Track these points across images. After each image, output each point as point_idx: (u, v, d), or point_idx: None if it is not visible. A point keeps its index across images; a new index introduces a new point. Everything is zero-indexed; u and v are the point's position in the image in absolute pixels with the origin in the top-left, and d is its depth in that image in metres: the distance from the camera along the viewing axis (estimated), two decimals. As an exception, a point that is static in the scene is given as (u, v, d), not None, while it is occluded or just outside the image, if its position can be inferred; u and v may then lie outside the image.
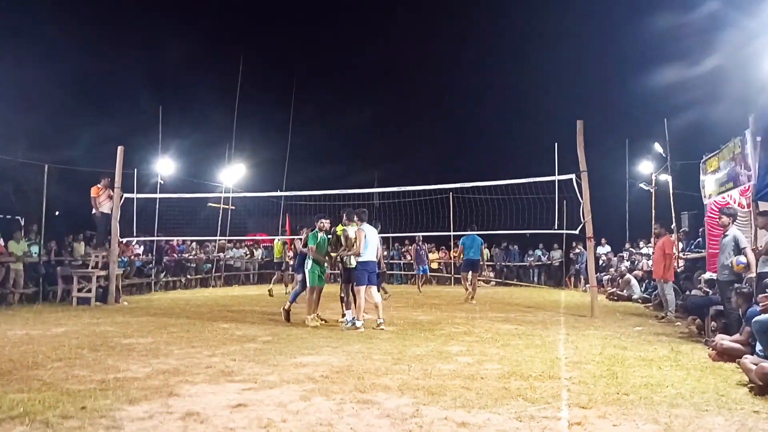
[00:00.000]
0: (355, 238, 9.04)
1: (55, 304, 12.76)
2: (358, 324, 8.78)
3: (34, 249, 13.81)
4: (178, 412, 4.16)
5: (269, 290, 15.47)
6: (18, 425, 3.82)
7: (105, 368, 5.69)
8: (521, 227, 15.06)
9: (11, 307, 11.80)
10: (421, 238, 18.72)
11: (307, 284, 9.47)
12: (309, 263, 9.43)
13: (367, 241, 9.02)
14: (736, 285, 7.50)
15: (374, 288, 9.23)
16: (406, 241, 22.74)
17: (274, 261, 19.05)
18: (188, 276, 19.80)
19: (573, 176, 11.53)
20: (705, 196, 11.58)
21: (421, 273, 18.89)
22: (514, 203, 15.86)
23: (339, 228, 9.89)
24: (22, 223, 17.13)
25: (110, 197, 13.34)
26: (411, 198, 18.19)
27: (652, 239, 14.50)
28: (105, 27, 27.37)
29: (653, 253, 11.99)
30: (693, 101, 18.92)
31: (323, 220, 9.64)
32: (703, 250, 11.86)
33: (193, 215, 19.23)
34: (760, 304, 5.94)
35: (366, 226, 9.17)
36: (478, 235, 14.77)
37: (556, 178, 12.13)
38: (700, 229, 12.50)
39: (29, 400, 4.38)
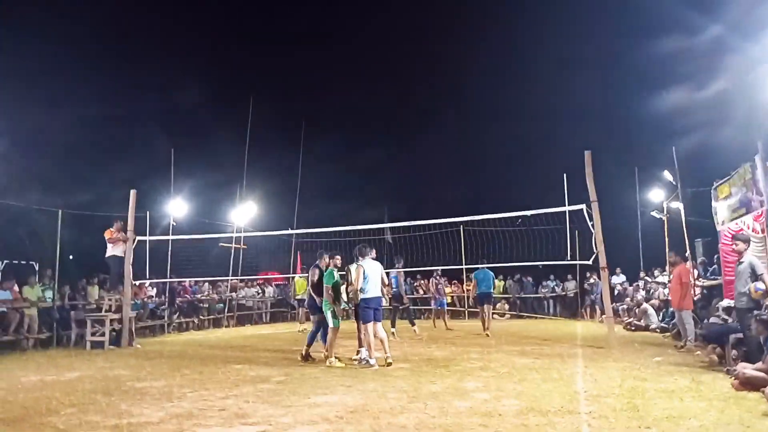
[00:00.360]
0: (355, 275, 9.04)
1: (69, 348, 12.75)
2: (372, 362, 8.69)
3: (48, 294, 13.89)
4: (192, 457, 4.10)
5: (301, 330, 15.30)
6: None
7: (118, 413, 5.65)
8: (533, 259, 14.94)
9: (25, 353, 11.80)
10: (440, 272, 18.50)
11: (330, 326, 9.20)
12: (327, 304, 9.21)
13: (368, 277, 8.91)
14: (756, 312, 7.38)
15: (380, 324, 9.03)
16: (418, 276, 22.61)
17: (296, 298, 18.98)
18: (201, 317, 19.76)
19: (583, 206, 11.50)
20: (718, 223, 11.49)
21: (439, 307, 18.48)
22: (526, 235, 15.83)
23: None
24: (37, 268, 17.29)
25: (123, 240, 13.45)
26: (422, 232, 18.16)
27: (667, 267, 14.36)
28: (116, 72, 27.96)
29: (670, 281, 11.84)
30: (700, 126, 18.91)
31: (337, 257, 9.65)
32: (719, 277, 11.70)
33: (205, 255, 19.30)
34: None
35: (367, 262, 9.06)
36: (488, 268, 15.02)
37: (567, 209, 12.09)
38: (715, 256, 12.36)
39: (43, 448, 4.35)
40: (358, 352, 9.39)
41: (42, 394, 6.77)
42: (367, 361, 8.76)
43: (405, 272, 19.94)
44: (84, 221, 16.84)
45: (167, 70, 28.83)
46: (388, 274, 10.45)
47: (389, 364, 8.58)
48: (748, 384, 6.11)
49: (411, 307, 15.86)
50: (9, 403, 6.29)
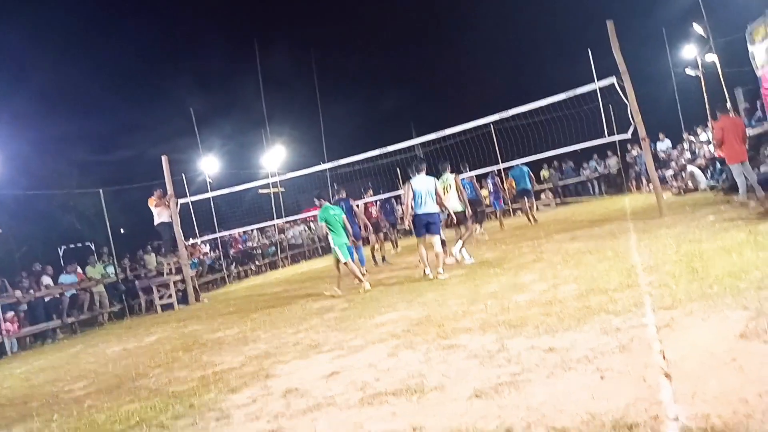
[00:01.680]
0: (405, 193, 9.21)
1: (142, 315, 13.48)
2: (427, 272, 8.92)
3: (110, 269, 14.56)
4: (278, 391, 4.37)
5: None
6: (138, 432, 4.12)
7: (202, 365, 6.00)
8: (571, 142, 14.65)
9: (103, 327, 12.55)
10: (496, 172, 18.20)
11: (341, 260, 9.47)
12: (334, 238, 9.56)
13: (416, 193, 8.96)
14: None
15: (436, 238, 9.07)
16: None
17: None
18: (257, 263, 20.44)
19: (614, 79, 11.08)
20: (757, 68, 10.94)
21: (498, 209, 18.27)
22: (559, 121, 15.42)
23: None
24: (93, 248, 18.04)
25: (167, 206, 13.81)
26: (453, 140, 17.92)
27: (709, 123, 13.88)
28: (127, 39, 27.74)
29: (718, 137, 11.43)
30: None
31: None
32: (765, 122, 11.27)
33: (246, 205, 19.73)
34: None
35: (417, 178, 9.04)
36: (524, 163, 15.35)
37: (597, 85, 11.66)
38: (758, 102, 11.85)
39: (141, 409, 4.69)
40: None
41: (129, 361, 7.23)
42: (424, 272, 9.00)
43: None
44: (126, 195, 17.34)
45: (173, 27, 28.42)
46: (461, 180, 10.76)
47: (430, 277, 8.73)
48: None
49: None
50: (102, 374, 6.75)
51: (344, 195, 11.72)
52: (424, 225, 9.03)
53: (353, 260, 10.08)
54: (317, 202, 9.87)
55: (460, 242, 9.98)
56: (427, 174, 9.25)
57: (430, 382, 3.79)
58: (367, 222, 11.78)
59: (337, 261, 9.44)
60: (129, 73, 26.04)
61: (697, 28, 15.93)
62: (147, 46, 28.42)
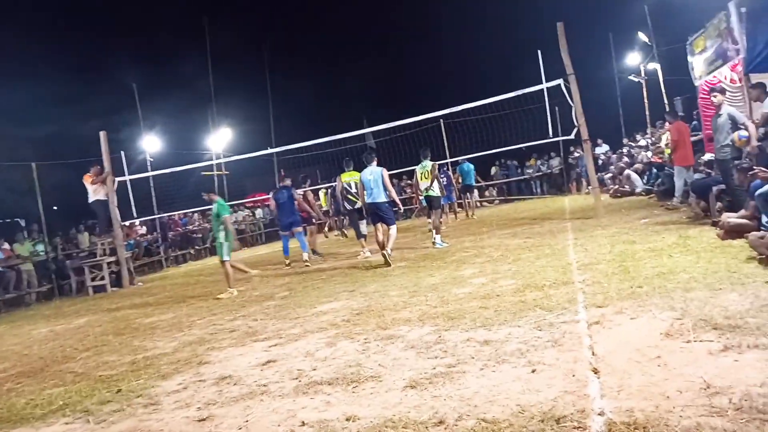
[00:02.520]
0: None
1: (72, 297, 12.95)
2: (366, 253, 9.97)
3: (40, 247, 13.90)
4: (210, 378, 4.27)
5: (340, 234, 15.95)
6: (60, 417, 3.94)
7: (133, 350, 5.81)
8: (516, 141, 14.96)
9: (30, 307, 11.99)
10: (448, 166, 18.53)
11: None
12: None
13: (365, 183, 9.46)
14: (736, 162, 7.49)
15: (392, 228, 9.39)
16: (404, 177, 22.65)
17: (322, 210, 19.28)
18: (196, 247, 19.96)
19: (561, 81, 11.33)
20: (695, 78, 11.41)
21: (449, 202, 18.47)
22: (506, 119, 15.74)
23: (347, 174, 11.11)
24: (23, 224, 17.17)
25: (103, 183, 13.27)
26: (404, 132, 17.99)
27: (648, 130, 14.43)
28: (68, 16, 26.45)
29: (667, 143, 11.85)
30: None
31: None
32: (699, 133, 11.79)
33: (188, 186, 19.18)
34: (759, 175, 5.95)
35: (367, 169, 9.51)
36: (469, 160, 16.63)
37: (544, 86, 11.93)
38: (694, 112, 12.38)
39: (66, 393, 4.50)
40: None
41: (55, 344, 6.93)
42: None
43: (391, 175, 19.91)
44: (60, 171, 16.57)
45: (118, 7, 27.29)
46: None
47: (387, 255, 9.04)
48: (733, 232, 6.30)
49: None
50: (25, 356, 6.44)
51: (288, 183, 11.70)
52: (371, 214, 9.55)
53: (294, 250, 10.86)
54: (206, 197, 9.44)
55: (436, 233, 10.57)
56: (378, 165, 9.66)
57: (367, 372, 3.79)
58: (309, 209, 11.71)
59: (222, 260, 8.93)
60: (66, 42, 24.74)
61: (642, 37, 16.50)
62: (87, 14, 27.10)
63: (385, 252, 8.93)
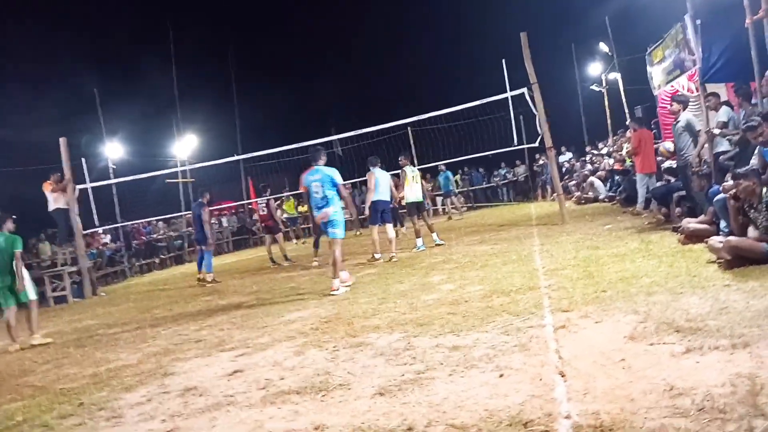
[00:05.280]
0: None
1: (32, 308, 12.52)
2: (377, 256, 9.86)
3: (-3, 257, 13.43)
4: (175, 390, 4.18)
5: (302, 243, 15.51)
6: (18, 433, 3.80)
7: (95, 362, 5.65)
8: (482, 149, 15.13)
9: (-13, 320, 11.56)
10: (427, 176, 19.08)
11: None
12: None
13: (378, 183, 9.99)
14: (695, 168, 7.72)
15: (389, 225, 10.22)
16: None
17: (286, 217, 19.06)
18: (161, 256, 19.59)
19: (524, 90, 11.52)
20: (654, 88, 11.75)
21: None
22: (472, 127, 15.91)
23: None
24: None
25: (64, 191, 12.92)
26: (371, 139, 18.01)
27: (610, 139, 14.75)
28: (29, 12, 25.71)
29: (628, 151, 12.14)
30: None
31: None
32: (659, 141, 12.11)
33: (152, 194, 18.84)
34: (721, 187, 6.13)
35: (376, 170, 10.07)
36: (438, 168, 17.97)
37: (509, 94, 12.12)
38: (653, 121, 12.73)
39: (25, 407, 4.34)
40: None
41: (13, 356, 6.70)
42: (376, 257, 9.90)
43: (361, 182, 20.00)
44: (19, 178, 16.08)
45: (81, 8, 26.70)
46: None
47: (393, 260, 9.56)
48: (693, 237, 6.49)
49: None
50: (-20, 370, 6.21)
51: (204, 200, 11.39)
52: (380, 212, 10.07)
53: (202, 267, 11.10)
54: None
55: (420, 240, 10.76)
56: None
57: (336, 380, 3.76)
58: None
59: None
60: (24, 44, 24.04)
61: (603, 47, 16.90)
62: (46, 13, 26.38)
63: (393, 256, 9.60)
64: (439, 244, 10.75)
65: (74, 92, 23.86)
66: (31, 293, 7.48)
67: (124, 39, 28.67)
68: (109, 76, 27.59)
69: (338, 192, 7.52)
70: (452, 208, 19.58)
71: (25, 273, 7.51)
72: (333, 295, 7.14)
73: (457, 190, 22.59)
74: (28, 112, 23.44)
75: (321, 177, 7.45)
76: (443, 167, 18.41)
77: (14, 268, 7.29)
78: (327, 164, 7.71)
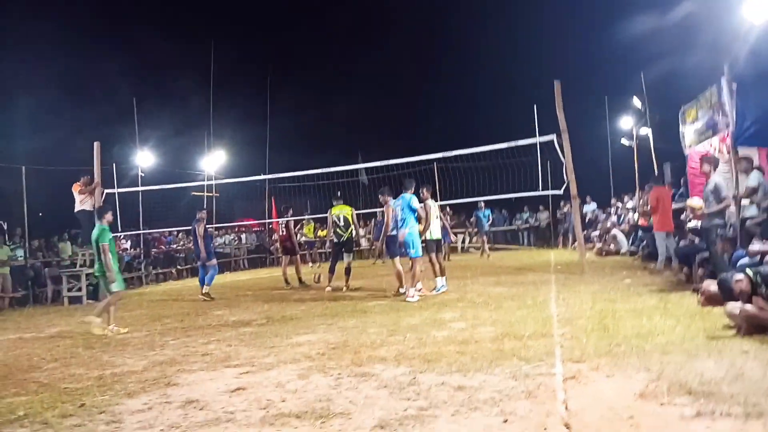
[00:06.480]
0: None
1: (47, 305, 12.70)
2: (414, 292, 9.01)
3: (20, 252, 13.69)
4: (177, 401, 4.17)
5: (316, 275, 14.95)
6: (18, 428, 3.82)
7: (101, 364, 5.68)
8: (506, 191, 15.08)
9: (2, 312, 11.71)
10: (448, 209, 19.00)
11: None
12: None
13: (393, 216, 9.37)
14: (720, 231, 7.60)
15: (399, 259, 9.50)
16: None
17: (304, 240, 19.14)
18: (179, 266, 19.74)
19: (554, 137, 11.53)
20: (685, 147, 11.66)
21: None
22: (498, 168, 15.88)
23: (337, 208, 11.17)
24: (5, 227, 16.91)
25: (92, 194, 13.16)
26: (396, 171, 18.09)
27: (637, 193, 14.64)
28: (76, 20, 26.72)
29: (646, 206, 12.07)
30: (668, 51, 18.84)
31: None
32: (686, 200, 11.97)
33: (177, 205, 19.09)
34: (747, 251, 6.03)
35: (392, 201, 9.46)
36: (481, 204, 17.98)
37: (537, 140, 12.11)
38: (682, 180, 12.60)
39: (28, 403, 4.37)
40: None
41: (22, 351, 6.76)
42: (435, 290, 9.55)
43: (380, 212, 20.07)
44: (50, 177, 16.44)
45: (127, 15, 27.64)
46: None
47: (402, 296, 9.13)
48: (713, 300, 6.33)
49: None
50: (-11, 361, 6.27)
51: (199, 217, 11.72)
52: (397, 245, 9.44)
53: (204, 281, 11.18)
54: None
55: (442, 279, 9.77)
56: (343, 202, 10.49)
57: (337, 407, 3.73)
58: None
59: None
60: (71, 52, 24.91)
61: (636, 102, 16.88)
62: (94, 27, 27.38)
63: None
64: (439, 292, 9.54)
65: (113, 99, 24.56)
66: (113, 286, 7.89)
67: (167, 52, 29.50)
68: (148, 86, 28.39)
69: (414, 215, 9.09)
70: (481, 247, 19.10)
71: (115, 266, 7.96)
72: (408, 302, 8.54)
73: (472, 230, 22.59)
74: (69, 115, 24.17)
75: (402, 202, 9.12)
76: (482, 204, 18.30)
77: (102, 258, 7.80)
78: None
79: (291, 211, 13.55)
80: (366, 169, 19.44)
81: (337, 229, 11.08)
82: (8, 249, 13.27)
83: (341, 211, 11.11)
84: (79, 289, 12.49)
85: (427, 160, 15.59)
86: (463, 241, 23.33)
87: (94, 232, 8.00)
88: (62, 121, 22.73)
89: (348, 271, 11.04)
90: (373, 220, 21.09)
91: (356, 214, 11.70)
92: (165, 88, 29.79)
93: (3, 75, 20.83)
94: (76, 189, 13.07)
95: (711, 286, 6.56)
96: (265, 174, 19.23)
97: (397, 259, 9.41)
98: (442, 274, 9.82)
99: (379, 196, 9.74)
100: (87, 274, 12.67)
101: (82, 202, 13.12)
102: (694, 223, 10.25)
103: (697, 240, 9.45)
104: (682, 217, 11.32)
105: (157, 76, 30.01)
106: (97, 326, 7.69)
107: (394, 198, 9.44)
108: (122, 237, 17.16)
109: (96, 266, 8.09)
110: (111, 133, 19.96)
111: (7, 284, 12.74)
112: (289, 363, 5.13)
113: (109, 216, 8.34)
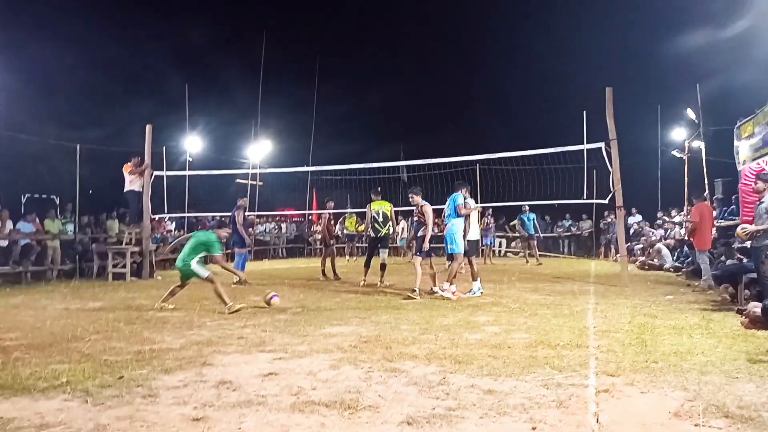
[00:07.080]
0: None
1: (92, 279, 13.15)
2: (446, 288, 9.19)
3: (70, 227, 14.21)
4: (211, 380, 4.29)
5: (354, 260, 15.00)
6: (60, 393, 3.98)
7: (141, 340, 5.87)
8: (549, 197, 14.87)
9: (50, 283, 12.19)
10: (490, 211, 18.81)
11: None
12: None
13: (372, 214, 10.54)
14: (743, 236, 7.37)
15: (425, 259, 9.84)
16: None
17: (346, 233, 19.31)
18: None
19: (602, 144, 11.30)
20: (739, 162, 11.27)
21: (487, 245, 18.85)
22: (542, 173, 15.66)
23: (376, 203, 11.19)
24: (57, 203, 17.59)
25: (141, 175, 13.56)
26: (437, 170, 18.04)
27: (686, 207, 14.23)
28: (130, 9, 27.56)
29: (688, 221, 11.80)
30: (725, 65, 18.27)
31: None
32: (736, 218, 11.57)
33: (222, 191, 19.49)
34: None
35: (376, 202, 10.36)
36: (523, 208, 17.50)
37: (585, 147, 11.89)
38: (734, 197, 12.19)
39: (70, 371, 4.55)
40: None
41: (68, 322, 7.03)
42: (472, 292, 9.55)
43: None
44: (102, 157, 16.98)
45: (180, 6, 28.33)
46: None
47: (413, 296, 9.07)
48: (758, 323, 6.14)
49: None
50: (37, 329, 6.54)
51: (240, 204, 12.19)
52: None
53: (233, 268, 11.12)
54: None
55: (477, 282, 9.71)
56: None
57: (366, 400, 3.76)
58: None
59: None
60: (130, 37, 25.76)
61: (690, 114, 16.40)
62: (148, 16, 28.16)
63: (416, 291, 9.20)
64: (474, 295, 9.36)
65: (167, 84, 25.22)
66: (202, 273, 8.32)
67: (219, 42, 30.15)
68: (200, 74, 29.04)
69: (456, 211, 9.35)
70: (529, 253, 18.50)
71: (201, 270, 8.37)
72: (434, 293, 9.25)
73: (512, 234, 22.29)
74: (126, 99, 24.94)
75: (449, 201, 9.55)
76: (527, 208, 17.55)
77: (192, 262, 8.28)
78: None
79: (332, 204, 13.67)
80: (407, 166, 19.50)
81: (376, 225, 11.13)
82: (60, 223, 13.80)
83: (381, 207, 11.14)
84: (124, 266, 12.88)
85: (470, 161, 15.47)
86: (500, 246, 23.11)
87: (207, 237, 8.49)
88: (117, 108, 23.51)
89: (383, 267, 11.09)
90: (409, 218, 21.11)
91: (395, 210, 11.74)
92: (216, 76, 30.46)
93: (63, 65, 21.62)
94: (126, 169, 13.50)
95: (756, 308, 6.37)
96: (308, 166, 19.45)
97: (420, 259, 9.64)
98: (475, 278, 9.76)
99: (410, 196, 9.82)
100: (132, 252, 13.07)
101: (131, 183, 13.54)
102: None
103: (745, 260, 9.14)
104: (731, 236, 10.97)
105: (208, 64, 30.70)
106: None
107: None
108: (167, 219, 17.59)
109: (179, 261, 8.50)
110: (164, 119, 20.51)
111: (57, 256, 13.25)
112: (321, 352, 5.20)
113: (224, 232, 9.17)
